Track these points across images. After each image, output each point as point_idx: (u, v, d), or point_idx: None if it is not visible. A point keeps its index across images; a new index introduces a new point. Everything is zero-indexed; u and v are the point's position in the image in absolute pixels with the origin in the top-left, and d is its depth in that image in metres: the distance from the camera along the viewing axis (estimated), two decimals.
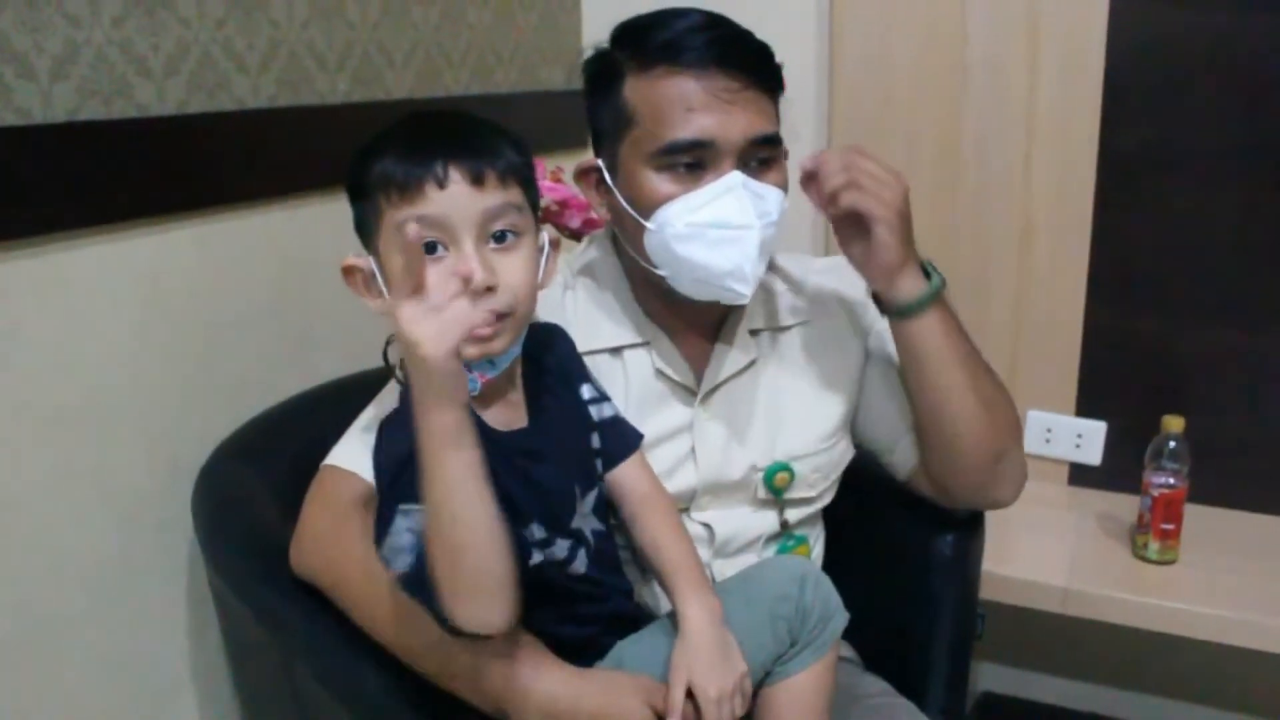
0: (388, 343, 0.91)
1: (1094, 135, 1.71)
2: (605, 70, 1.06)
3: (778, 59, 1.06)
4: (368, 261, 0.88)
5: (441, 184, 0.83)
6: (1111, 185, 1.72)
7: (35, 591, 1.03)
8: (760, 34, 1.05)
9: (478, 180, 0.84)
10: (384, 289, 0.87)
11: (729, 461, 1.12)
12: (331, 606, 0.94)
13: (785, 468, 1.14)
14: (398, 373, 1.03)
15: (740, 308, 1.15)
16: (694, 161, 1.01)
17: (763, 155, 1.04)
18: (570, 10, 1.87)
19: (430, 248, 0.83)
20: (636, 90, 1.03)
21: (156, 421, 1.13)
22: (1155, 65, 1.67)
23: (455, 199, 0.83)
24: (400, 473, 0.83)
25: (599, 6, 1.87)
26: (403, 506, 0.83)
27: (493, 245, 0.86)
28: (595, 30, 1.89)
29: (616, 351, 1.12)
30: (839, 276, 1.19)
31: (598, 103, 1.07)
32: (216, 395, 1.19)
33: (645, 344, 1.13)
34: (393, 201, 0.84)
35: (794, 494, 1.15)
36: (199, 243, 1.17)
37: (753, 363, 1.15)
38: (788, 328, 1.18)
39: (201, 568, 1.13)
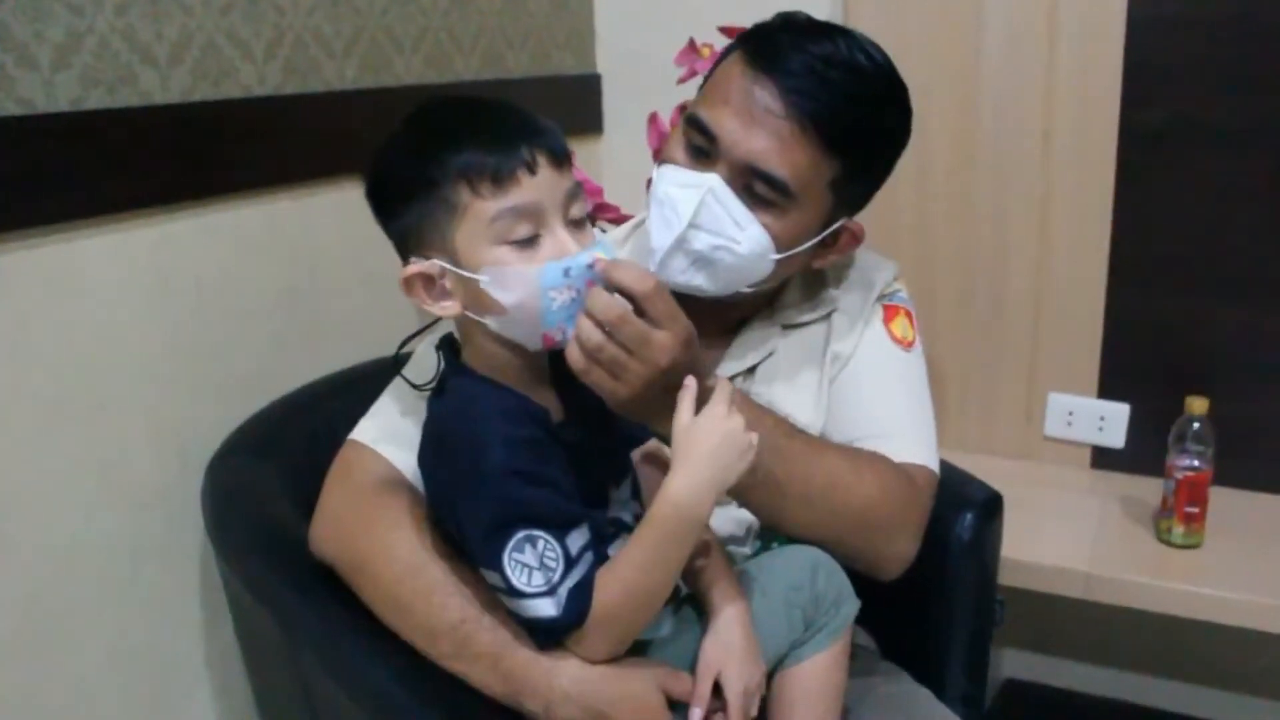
0: (403, 343, 0.87)
1: (1114, 110, 1.68)
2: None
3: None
4: (434, 264, 0.84)
5: (532, 170, 0.82)
6: (1133, 162, 1.69)
7: (46, 583, 1.03)
8: (775, 11, 1.02)
9: (558, 162, 0.84)
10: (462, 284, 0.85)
11: None
12: (340, 598, 0.94)
13: None
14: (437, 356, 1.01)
15: (773, 301, 1.12)
16: (701, 147, 1.01)
17: (760, 191, 0.99)
18: None
19: (532, 241, 0.83)
20: (722, 64, 1.03)
21: (165, 412, 1.13)
22: (1177, 37, 1.63)
23: (544, 184, 0.83)
24: (508, 485, 0.82)
25: None
26: (531, 533, 0.82)
27: (570, 227, 0.85)
28: (606, 13, 1.88)
29: None
30: (865, 275, 1.16)
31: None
32: (225, 385, 1.19)
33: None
34: (483, 193, 0.81)
35: None
36: (205, 232, 1.16)
37: (768, 356, 1.13)
38: (808, 323, 1.14)
39: (214, 559, 1.13)
